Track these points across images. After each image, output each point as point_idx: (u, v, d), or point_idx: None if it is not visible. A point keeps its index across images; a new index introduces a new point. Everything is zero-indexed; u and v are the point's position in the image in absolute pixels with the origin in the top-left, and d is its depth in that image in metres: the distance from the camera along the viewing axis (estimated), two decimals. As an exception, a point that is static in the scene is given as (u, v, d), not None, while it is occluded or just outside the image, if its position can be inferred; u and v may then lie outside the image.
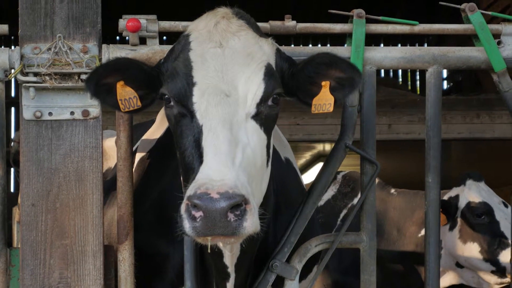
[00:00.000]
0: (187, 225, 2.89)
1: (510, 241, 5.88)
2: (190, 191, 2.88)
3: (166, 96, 3.23)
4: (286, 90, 3.34)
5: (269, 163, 3.33)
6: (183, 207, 2.90)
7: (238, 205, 2.85)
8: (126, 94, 3.37)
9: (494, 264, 5.90)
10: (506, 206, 6.12)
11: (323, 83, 3.35)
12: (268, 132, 3.24)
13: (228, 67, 3.19)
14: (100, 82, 3.35)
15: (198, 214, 2.85)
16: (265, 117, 3.20)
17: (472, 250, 5.95)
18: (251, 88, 3.17)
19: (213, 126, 3.06)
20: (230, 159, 2.96)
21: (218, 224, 2.85)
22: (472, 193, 6.04)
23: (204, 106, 3.12)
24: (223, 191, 2.83)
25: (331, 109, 3.38)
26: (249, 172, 3.05)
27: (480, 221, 5.95)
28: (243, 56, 3.22)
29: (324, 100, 3.37)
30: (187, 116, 3.17)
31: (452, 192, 6.15)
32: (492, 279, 5.92)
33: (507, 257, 5.84)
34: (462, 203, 6.07)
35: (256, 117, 3.17)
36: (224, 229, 2.86)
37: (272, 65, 3.29)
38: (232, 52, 3.22)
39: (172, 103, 3.22)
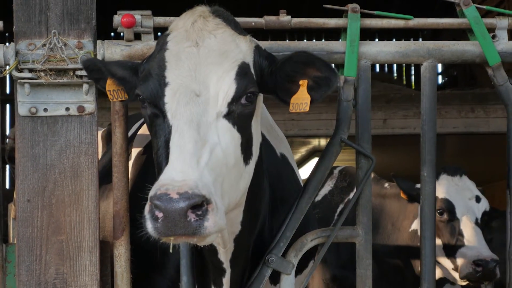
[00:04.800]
0: (149, 226, 2.89)
1: (465, 240, 5.83)
2: (152, 191, 2.88)
3: (141, 97, 3.22)
4: (266, 87, 3.32)
5: (251, 161, 3.31)
6: (146, 208, 2.90)
7: (200, 205, 2.84)
8: (113, 85, 3.44)
9: (453, 262, 5.86)
10: (478, 201, 6.04)
11: (301, 81, 3.32)
12: (242, 130, 3.20)
13: (202, 66, 3.16)
14: (95, 67, 3.46)
15: (160, 214, 2.85)
16: (238, 116, 3.16)
17: (438, 246, 5.89)
18: (223, 87, 3.14)
19: (180, 127, 3.04)
20: (195, 159, 2.94)
21: (179, 225, 2.84)
22: (439, 188, 5.90)
23: (174, 106, 3.11)
24: (183, 191, 2.82)
25: (307, 108, 3.35)
26: (219, 171, 3.03)
27: (441, 218, 5.92)
28: (217, 55, 3.19)
29: (301, 99, 3.34)
30: (160, 116, 3.16)
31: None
32: (456, 275, 5.87)
33: (461, 255, 5.79)
34: None
35: (228, 116, 3.14)
36: (185, 229, 2.85)
37: (249, 63, 3.26)
38: (207, 51, 3.19)
39: (146, 104, 3.21)
